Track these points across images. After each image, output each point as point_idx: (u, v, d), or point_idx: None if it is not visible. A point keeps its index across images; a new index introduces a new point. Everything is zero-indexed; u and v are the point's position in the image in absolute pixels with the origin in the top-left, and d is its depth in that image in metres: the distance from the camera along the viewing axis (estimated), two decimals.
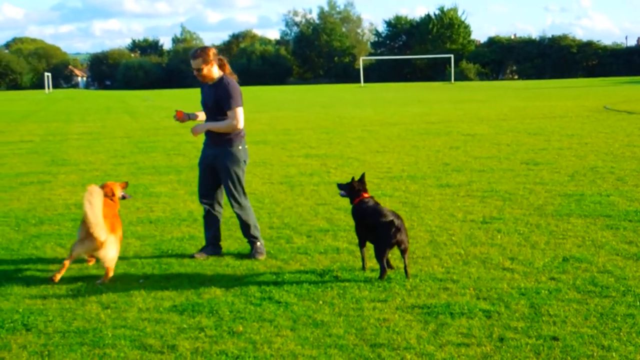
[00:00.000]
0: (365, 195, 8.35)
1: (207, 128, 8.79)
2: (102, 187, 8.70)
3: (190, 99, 55.51)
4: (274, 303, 7.05)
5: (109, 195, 8.77)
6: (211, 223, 9.05)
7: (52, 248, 9.42)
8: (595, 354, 5.64)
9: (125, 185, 9.25)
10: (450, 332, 6.18)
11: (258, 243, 8.89)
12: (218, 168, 8.81)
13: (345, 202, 8.80)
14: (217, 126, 8.71)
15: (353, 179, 8.47)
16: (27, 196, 13.45)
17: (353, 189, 8.40)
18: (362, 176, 8.54)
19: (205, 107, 8.90)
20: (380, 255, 7.76)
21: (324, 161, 17.47)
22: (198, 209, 11.69)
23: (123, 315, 6.80)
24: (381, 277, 7.74)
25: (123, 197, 9.08)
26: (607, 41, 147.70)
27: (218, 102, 8.66)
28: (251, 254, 8.80)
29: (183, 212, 11.60)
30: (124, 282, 7.85)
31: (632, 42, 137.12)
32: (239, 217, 8.91)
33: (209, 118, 8.84)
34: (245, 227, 8.90)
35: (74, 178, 15.58)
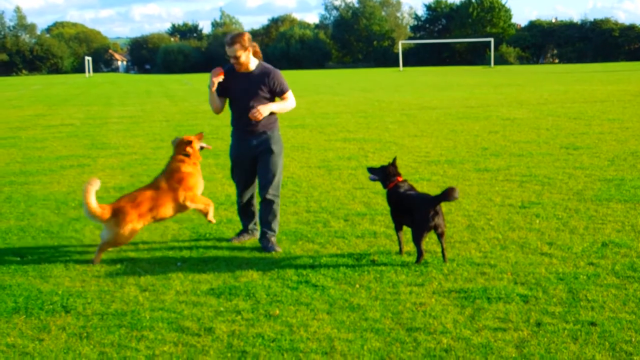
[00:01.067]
0: (400, 179, 8.34)
1: (272, 109, 8.52)
2: (178, 142, 8.62)
3: None
4: (310, 286, 7.07)
5: (184, 151, 8.57)
6: (250, 214, 8.99)
7: (91, 231, 9.50)
8: (633, 339, 5.59)
9: (201, 137, 8.89)
10: (487, 316, 6.17)
11: (275, 237, 8.70)
12: (264, 155, 8.55)
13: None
14: (284, 107, 8.66)
15: (392, 162, 8.43)
16: (67, 179, 13.60)
17: (387, 173, 8.36)
18: (394, 160, 8.51)
19: (245, 96, 8.45)
20: (417, 239, 7.74)
21: (361, 145, 17.44)
22: (235, 193, 11.75)
23: (161, 298, 6.86)
24: (418, 261, 7.74)
25: (201, 148, 8.83)
26: None
27: (271, 88, 8.46)
28: (269, 247, 8.48)
29: (221, 195, 11.66)
30: (162, 265, 7.91)
31: None
32: (271, 205, 8.64)
33: (242, 106, 8.48)
34: (273, 217, 8.68)
35: (113, 161, 15.72)
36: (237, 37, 8.24)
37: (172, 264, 7.95)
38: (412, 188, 8.23)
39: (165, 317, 6.34)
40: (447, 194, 7.66)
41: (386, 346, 5.62)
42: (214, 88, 8.37)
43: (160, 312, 6.47)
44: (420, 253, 7.74)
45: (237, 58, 8.26)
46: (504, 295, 6.64)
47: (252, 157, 8.61)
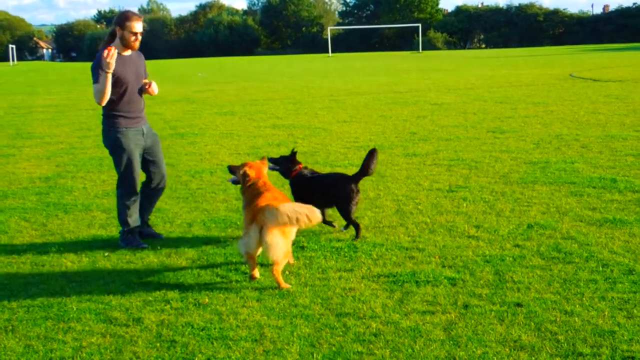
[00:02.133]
0: (301, 166, 8.50)
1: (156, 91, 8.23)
2: (248, 173, 7.45)
3: (158, 70, 55.11)
4: (240, 274, 7.06)
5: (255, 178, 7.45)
6: (141, 206, 8.49)
7: (16, 222, 9.33)
8: (558, 319, 5.70)
9: (265, 161, 7.82)
10: (415, 300, 6.23)
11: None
12: (157, 142, 8.35)
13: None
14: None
15: (292, 153, 8.58)
16: None
17: (292, 162, 8.47)
18: (294, 152, 8.61)
19: (138, 79, 8.04)
20: (348, 215, 8.01)
21: (291, 131, 17.42)
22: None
23: (88, 289, 6.77)
24: (357, 235, 8.07)
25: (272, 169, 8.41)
26: (573, 9, 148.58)
27: (144, 70, 8.25)
28: (157, 233, 8.56)
29: None
30: (89, 256, 7.81)
31: (598, 10, 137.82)
32: (160, 193, 8.60)
33: (135, 90, 8.00)
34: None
35: (38, 151, 15.43)
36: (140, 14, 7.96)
37: (100, 254, 7.85)
38: (315, 172, 8.37)
39: (93, 308, 6.26)
40: (366, 169, 8.08)
41: (316, 332, 5.64)
42: (111, 69, 7.64)
43: (88, 303, 6.39)
44: (357, 227, 7.89)
45: (141, 34, 7.93)
46: (432, 279, 6.72)
47: (142, 147, 8.15)
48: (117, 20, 7.90)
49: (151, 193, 8.45)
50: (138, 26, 7.84)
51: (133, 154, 7.99)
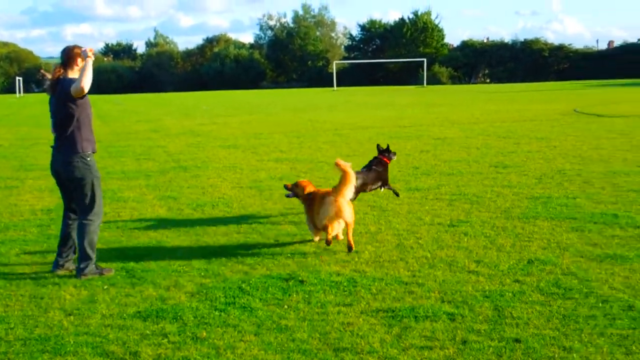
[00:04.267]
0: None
1: None
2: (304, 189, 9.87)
3: (163, 103, 55.31)
4: (238, 308, 7.04)
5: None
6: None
7: (16, 254, 9.34)
8: (556, 356, 5.68)
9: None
10: (414, 335, 6.20)
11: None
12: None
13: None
14: None
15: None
16: None
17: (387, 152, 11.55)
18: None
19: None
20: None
21: (294, 165, 17.46)
22: (167, 214, 11.69)
23: (86, 322, 6.76)
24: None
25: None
26: (578, 45, 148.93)
27: None
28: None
29: (151, 217, 11.55)
30: (87, 289, 7.79)
31: (603, 46, 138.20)
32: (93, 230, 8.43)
33: (92, 119, 8.40)
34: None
35: (41, 183, 15.44)
36: None
37: (99, 287, 7.84)
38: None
39: (90, 342, 6.24)
40: None
41: None
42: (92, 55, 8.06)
43: (85, 337, 6.37)
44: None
45: None
46: (431, 314, 6.69)
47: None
48: (77, 52, 8.18)
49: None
50: (79, 62, 8.19)
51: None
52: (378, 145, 11.75)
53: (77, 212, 8.39)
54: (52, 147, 8.44)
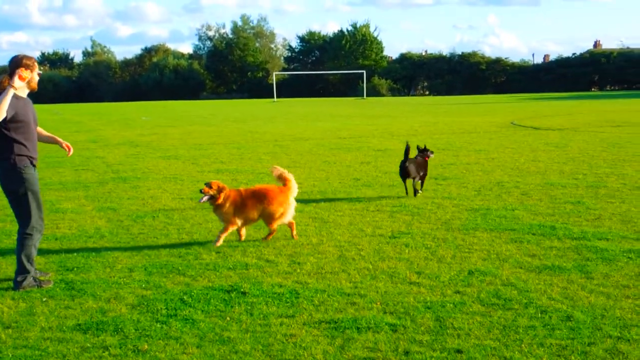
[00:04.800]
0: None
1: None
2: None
3: (102, 113, 54.72)
4: (180, 320, 6.98)
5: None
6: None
7: None
8: None
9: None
10: (356, 346, 6.22)
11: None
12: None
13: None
14: None
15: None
16: None
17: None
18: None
19: (34, 122, 8.28)
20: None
21: (234, 176, 17.42)
22: (106, 226, 11.57)
23: (25, 335, 6.64)
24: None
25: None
26: (515, 58, 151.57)
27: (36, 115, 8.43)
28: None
29: (90, 228, 11.40)
30: (26, 301, 7.67)
31: (538, 60, 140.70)
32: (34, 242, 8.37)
33: (34, 131, 8.27)
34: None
35: None
36: None
37: (37, 299, 7.71)
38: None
39: (29, 355, 6.14)
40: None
41: None
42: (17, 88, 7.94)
43: (24, 350, 6.26)
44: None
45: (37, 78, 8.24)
46: (373, 325, 6.72)
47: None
48: (25, 63, 8.04)
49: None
50: (37, 73, 8.18)
51: (38, 193, 8.28)
52: (418, 146, 14.77)
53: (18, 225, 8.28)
54: None
